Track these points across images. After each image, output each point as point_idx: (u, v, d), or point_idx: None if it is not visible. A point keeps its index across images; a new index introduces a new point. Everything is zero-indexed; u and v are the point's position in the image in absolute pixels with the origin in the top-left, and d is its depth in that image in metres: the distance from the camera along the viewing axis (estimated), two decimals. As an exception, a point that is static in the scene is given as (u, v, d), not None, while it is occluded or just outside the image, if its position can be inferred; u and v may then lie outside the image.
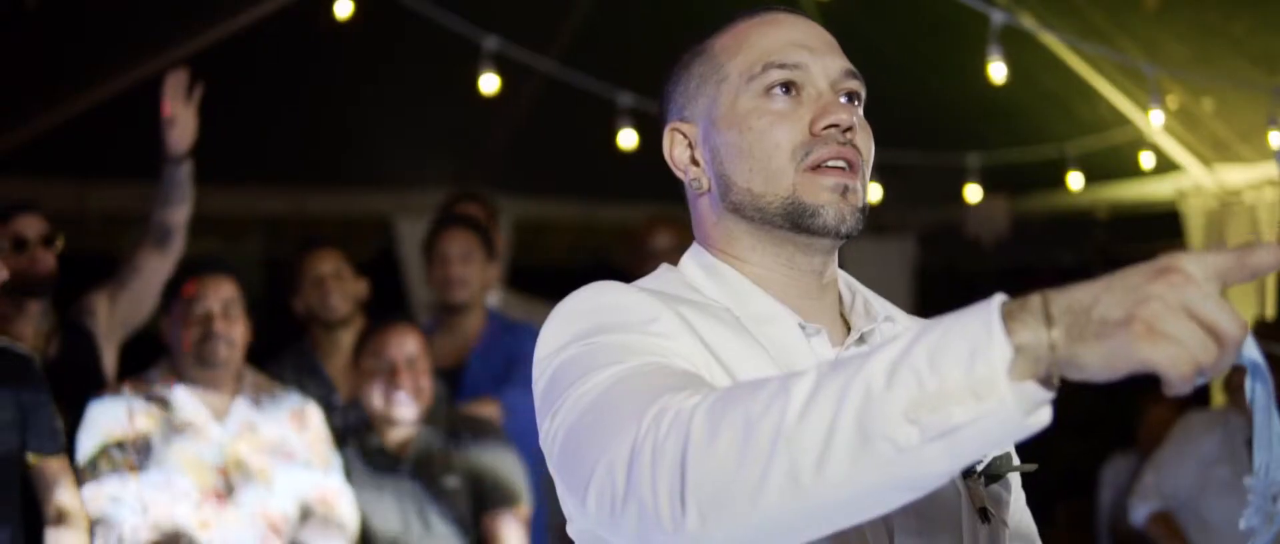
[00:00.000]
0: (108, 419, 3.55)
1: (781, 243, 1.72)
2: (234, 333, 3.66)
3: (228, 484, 3.57)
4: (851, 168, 1.70)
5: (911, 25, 6.14)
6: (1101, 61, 5.69)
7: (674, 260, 4.50)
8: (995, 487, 1.69)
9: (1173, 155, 6.17)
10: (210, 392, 3.69)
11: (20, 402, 3.41)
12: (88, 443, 3.55)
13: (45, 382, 3.50)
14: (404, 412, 3.81)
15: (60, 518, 3.45)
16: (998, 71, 4.82)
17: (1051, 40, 5.53)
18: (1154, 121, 5.24)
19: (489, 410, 4.06)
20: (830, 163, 1.68)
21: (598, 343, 1.57)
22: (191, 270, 3.76)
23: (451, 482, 3.79)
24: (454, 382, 4.21)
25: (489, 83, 5.16)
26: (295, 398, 3.82)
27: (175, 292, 3.69)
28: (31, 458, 3.44)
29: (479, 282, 4.39)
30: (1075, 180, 6.37)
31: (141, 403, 3.61)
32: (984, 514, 1.65)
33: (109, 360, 4.11)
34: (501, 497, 3.80)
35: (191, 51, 5.61)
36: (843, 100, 1.74)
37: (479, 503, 3.80)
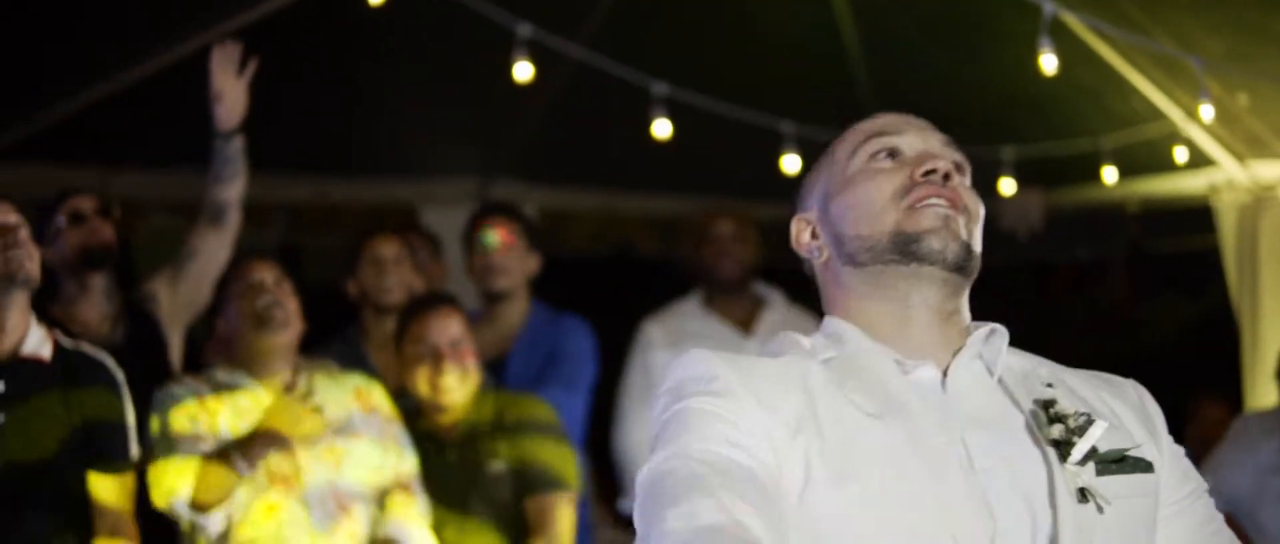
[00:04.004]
0: (177, 408, 3.46)
1: (894, 281, 1.85)
2: (289, 302, 3.58)
3: (296, 465, 3.47)
4: (954, 205, 1.84)
5: (945, 17, 6.08)
6: (1136, 54, 5.64)
7: (735, 249, 4.53)
8: (1109, 476, 1.75)
9: (1207, 150, 6.11)
10: (272, 373, 3.59)
11: (87, 410, 3.32)
12: (160, 432, 3.46)
13: (119, 388, 3.42)
14: (450, 396, 3.74)
15: (114, 531, 3.33)
16: (1049, 63, 4.75)
17: (1087, 32, 5.47)
18: (1204, 116, 5.18)
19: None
20: (930, 200, 1.83)
21: (676, 411, 1.76)
22: (237, 260, 3.74)
23: (497, 466, 3.72)
24: (497, 374, 4.15)
25: (523, 70, 5.09)
26: (357, 377, 3.72)
27: (225, 279, 3.64)
28: (95, 472, 3.35)
29: (520, 270, 4.34)
30: (1109, 174, 6.31)
31: (209, 390, 3.53)
32: (1083, 495, 1.71)
33: (175, 346, 4.07)
34: (549, 481, 3.73)
35: (215, 37, 5.56)
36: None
37: (526, 488, 3.72)
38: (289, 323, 3.55)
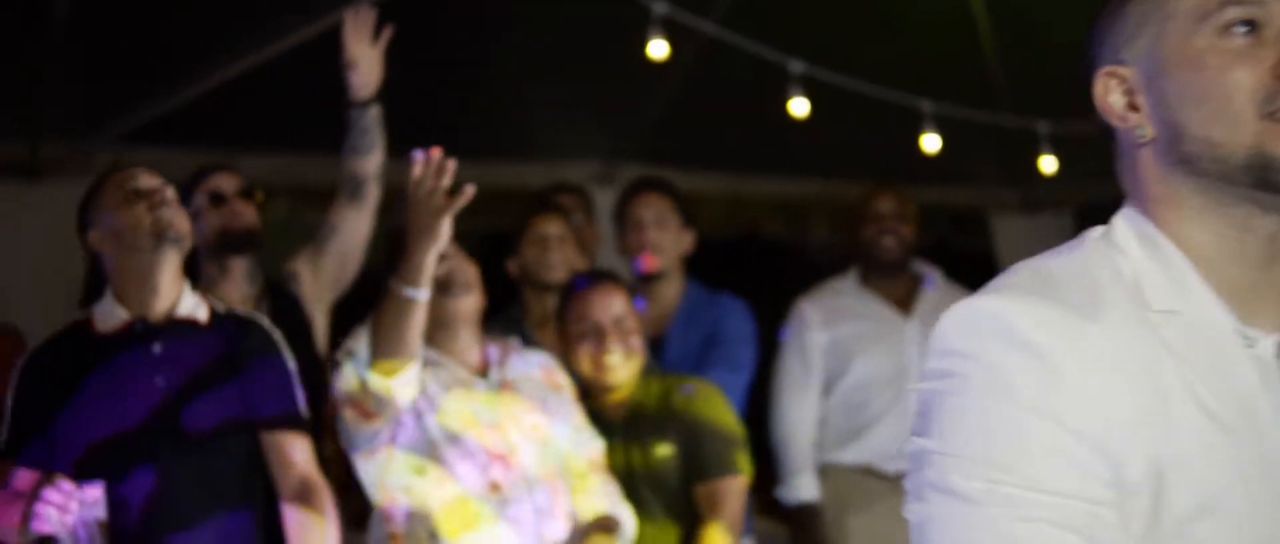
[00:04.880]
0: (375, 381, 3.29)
1: (1238, 202, 1.49)
2: (469, 267, 3.48)
3: (507, 443, 3.33)
4: None
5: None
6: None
7: (897, 227, 4.28)
8: None
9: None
10: (459, 344, 3.46)
11: (248, 368, 3.23)
12: (353, 406, 3.32)
13: (280, 349, 3.32)
14: (615, 375, 3.62)
15: (302, 494, 3.23)
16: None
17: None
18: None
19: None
20: None
21: (981, 400, 1.37)
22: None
23: (664, 449, 3.60)
24: (653, 355, 4.02)
25: (658, 48, 4.98)
26: (540, 354, 3.60)
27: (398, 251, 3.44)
28: (267, 430, 3.24)
29: (675, 248, 4.21)
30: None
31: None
32: None
33: (319, 325, 3.99)
34: (721, 465, 3.59)
35: (338, 20, 5.51)
36: None
37: (696, 472, 3.60)
38: (471, 287, 3.42)
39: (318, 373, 3.80)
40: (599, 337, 3.60)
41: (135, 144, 5.72)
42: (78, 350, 3.19)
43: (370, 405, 3.21)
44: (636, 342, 3.64)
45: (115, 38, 5.64)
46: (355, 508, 3.95)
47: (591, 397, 3.65)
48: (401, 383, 3.21)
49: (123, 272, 3.19)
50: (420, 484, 3.25)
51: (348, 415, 3.26)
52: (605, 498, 3.46)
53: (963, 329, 1.41)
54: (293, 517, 3.22)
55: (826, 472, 4.54)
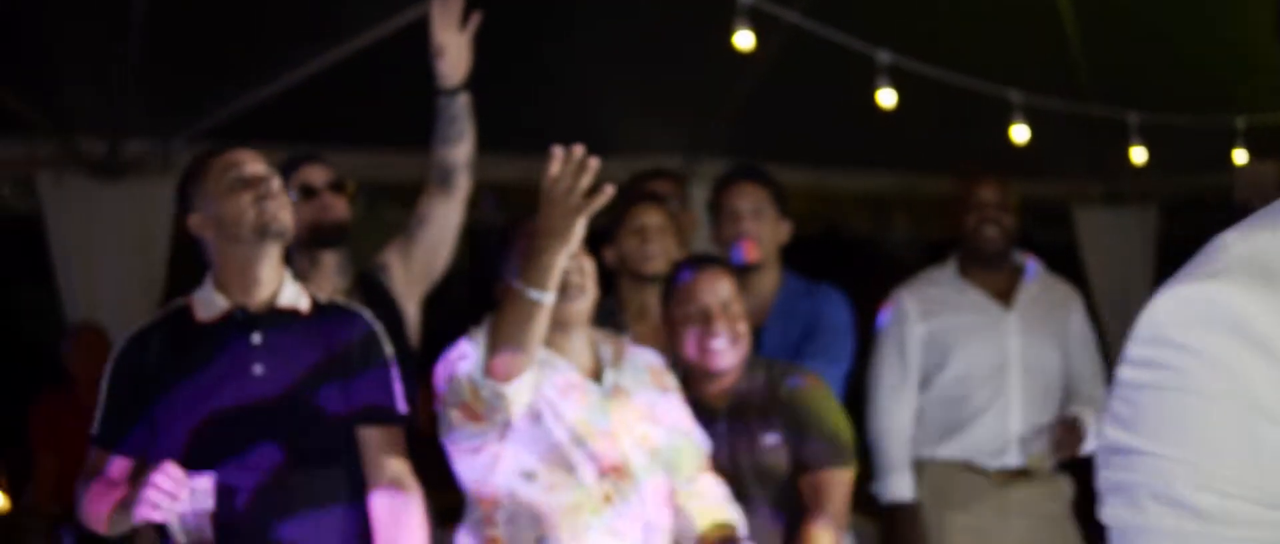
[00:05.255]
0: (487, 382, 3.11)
1: None
2: (585, 264, 3.26)
3: (620, 452, 3.17)
4: None
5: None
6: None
7: (1000, 217, 4.14)
8: None
9: None
10: (572, 346, 3.29)
11: (349, 361, 3.18)
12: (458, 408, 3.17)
13: (381, 341, 3.27)
14: (722, 360, 3.53)
15: (393, 490, 3.16)
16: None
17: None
18: None
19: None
20: None
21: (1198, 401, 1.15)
22: (524, 218, 3.34)
23: (770, 439, 3.52)
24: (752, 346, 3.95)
25: (744, 38, 4.93)
26: (649, 353, 3.46)
27: (512, 237, 3.31)
28: (364, 424, 3.18)
29: (772, 239, 4.13)
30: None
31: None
32: None
33: (411, 317, 3.93)
34: (829, 455, 3.52)
35: (420, 15, 5.49)
36: None
37: (802, 462, 3.52)
38: (586, 288, 3.25)
39: (410, 366, 3.76)
40: (705, 321, 3.51)
41: (214, 142, 5.69)
42: (176, 338, 3.13)
43: (480, 409, 3.06)
44: (743, 328, 3.55)
45: (194, 36, 5.66)
46: (443, 504, 3.92)
47: (694, 385, 3.57)
48: (518, 388, 3.05)
49: (223, 260, 3.14)
50: (528, 489, 3.12)
51: (454, 416, 3.13)
52: (718, 501, 3.37)
53: (1180, 317, 1.22)
54: (381, 512, 3.17)
55: (924, 468, 4.44)
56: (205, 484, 2.86)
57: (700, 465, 3.38)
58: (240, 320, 3.11)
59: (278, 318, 3.13)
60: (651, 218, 4.00)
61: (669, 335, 3.61)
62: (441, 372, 3.16)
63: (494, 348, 3.01)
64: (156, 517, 2.87)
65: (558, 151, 2.93)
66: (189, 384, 3.06)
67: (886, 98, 5.15)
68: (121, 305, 5.95)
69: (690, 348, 3.53)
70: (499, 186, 6.26)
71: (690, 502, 3.33)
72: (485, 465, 3.14)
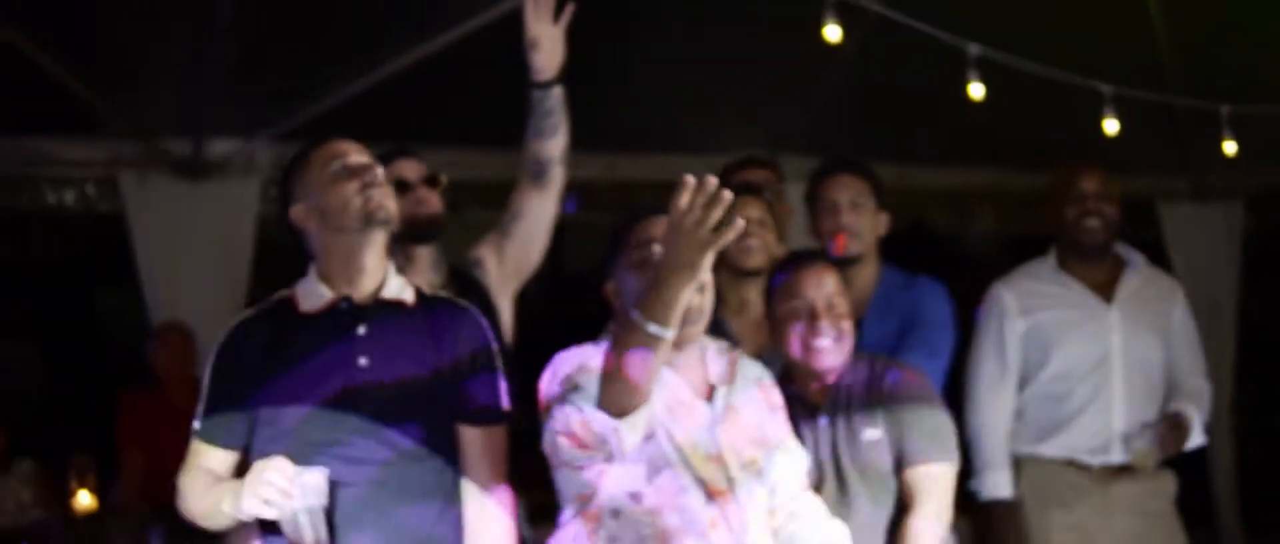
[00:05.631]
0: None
1: None
2: (710, 285, 3.10)
3: (727, 477, 3.05)
4: None
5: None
6: None
7: (1102, 208, 4.02)
8: None
9: None
10: (686, 360, 3.13)
11: (454, 356, 3.14)
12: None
13: (487, 335, 3.23)
14: (827, 359, 3.47)
15: (487, 489, 3.12)
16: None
17: None
18: None
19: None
20: None
21: None
22: (636, 216, 3.16)
23: (871, 434, 3.46)
24: (851, 340, 3.89)
25: (832, 32, 4.88)
26: (756, 366, 3.30)
27: (623, 239, 3.14)
28: (465, 421, 3.13)
29: (871, 231, 4.08)
30: None
31: None
32: None
33: (505, 314, 3.90)
34: (932, 450, 3.47)
35: (502, 12, 5.48)
36: None
37: (905, 457, 3.46)
38: (706, 310, 3.11)
39: (505, 362, 3.73)
40: (810, 318, 3.45)
41: (297, 141, 5.71)
42: (280, 329, 3.09)
43: (591, 440, 2.93)
44: (847, 325, 3.49)
45: (278, 36, 5.67)
46: (536, 502, 3.89)
47: (797, 380, 3.51)
48: (631, 425, 2.87)
49: (328, 250, 3.10)
50: (633, 510, 3.01)
51: (561, 441, 3.02)
52: (821, 525, 3.30)
53: None
54: (474, 510, 3.13)
55: (1024, 465, 4.36)
56: (318, 479, 2.82)
57: (801, 484, 3.32)
58: (345, 311, 3.07)
59: (383, 309, 3.09)
60: (750, 210, 3.93)
61: (772, 332, 3.55)
62: (549, 386, 3.03)
63: (609, 381, 2.82)
64: (268, 513, 2.84)
65: (689, 181, 2.67)
66: (293, 376, 3.02)
67: (977, 90, 5.06)
68: (205, 305, 5.97)
69: (794, 346, 3.48)
70: (579, 184, 6.22)
71: (790, 523, 3.26)
72: (589, 481, 3.05)
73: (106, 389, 6.39)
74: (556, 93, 3.83)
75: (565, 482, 3.10)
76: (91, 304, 10.03)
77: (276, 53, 5.74)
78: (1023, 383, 4.40)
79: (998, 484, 4.37)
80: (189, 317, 5.95)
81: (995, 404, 4.37)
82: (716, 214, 2.63)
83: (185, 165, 6.05)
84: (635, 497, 3.01)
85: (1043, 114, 6.06)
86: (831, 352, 3.46)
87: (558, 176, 3.91)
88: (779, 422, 3.24)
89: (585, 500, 3.06)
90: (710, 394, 3.12)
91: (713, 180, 2.62)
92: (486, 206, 6.18)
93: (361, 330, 3.05)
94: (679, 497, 3.00)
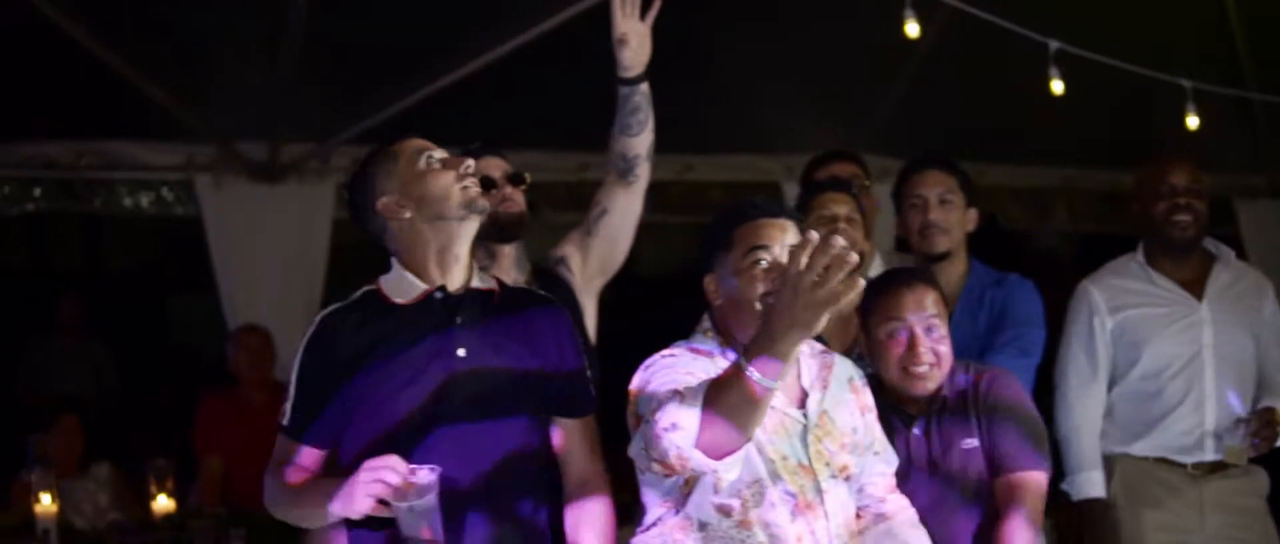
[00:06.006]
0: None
1: None
2: None
3: (817, 488, 2.97)
4: None
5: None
6: None
7: (1192, 203, 3.90)
8: None
9: None
10: (788, 374, 2.92)
11: (542, 351, 3.12)
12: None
13: (572, 331, 3.21)
14: (925, 385, 3.41)
15: (584, 486, 3.10)
16: None
17: None
18: None
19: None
20: None
21: None
22: (746, 214, 2.99)
23: (968, 443, 3.42)
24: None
25: (912, 28, 4.88)
26: (847, 365, 3.20)
27: (727, 236, 2.99)
28: (558, 416, 3.10)
29: (960, 228, 4.04)
30: None
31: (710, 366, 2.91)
32: None
33: (589, 313, 3.87)
34: (1025, 458, 3.41)
35: (574, 14, 5.48)
36: None
37: (998, 464, 3.42)
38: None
39: (588, 359, 3.70)
40: (910, 344, 3.38)
41: (371, 144, 5.73)
42: (373, 321, 3.03)
43: (685, 473, 2.81)
44: (946, 348, 3.40)
45: (350, 41, 5.69)
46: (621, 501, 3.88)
47: (893, 394, 3.46)
48: (729, 466, 2.73)
49: (422, 241, 3.05)
50: (721, 524, 2.95)
51: (654, 466, 2.95)
52: (908, 530, 3.26)
53: None
54: (573, 506, 3.11)
55: (1116, 464, 4.30)
56: (431, 477, 2.80)
57: (889, 486, 3.27)
58: (440, 302, 3.03)
59: (475, 300, 3.05)
60: (840, 207, 3.90)
61: (868, 347, 3.49)
62: (644, 402, 2.86)
63: (708, 424, 2.68)
64: (381, 511, 2.80)
65: (811, 237, 2.50)
66: (391, 368, 2.97)
67: (1058, 86, 5.03)
68: (281, 307, 6.01)
69: (892, 371, 3.41)
70: (652, 186, 6.22)
71: (877, 526, 3.21)
72: (676, 492, 3.00)
73: (181, 392, 6.43)
74: (643, 89, 3.80)
75: (651, 494, 3.04)
76: (165, 308, 10.13)
77: (350, 56, 5.76)
78: (1113, 382, 4.33)
79: (1091, 484, 4.30)
80: (265, 319, 5.98)
81: (1086, 403, 4.31)
82: (838, 276, 2.48)
83: (261, 169, 6.08)
84: (724, 510, 2.94)
85: (1116, 111, 6.01)
86: (929, 378, 3.40)
87: (644, 173, 3.88)
88: (870, 424, 3.17)
89: (670, 512, 3.02)
90: (803, 400, 3.04)
91: (838, 241, 2.50)
92: (561, 208, 6.21)
93: (459, 321, 3.03)
94: (768, 512, 2.93)
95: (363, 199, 3.10)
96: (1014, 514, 3.37)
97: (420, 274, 3.06)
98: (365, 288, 3.12)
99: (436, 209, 3.01)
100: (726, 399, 2.63)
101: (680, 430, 2.69)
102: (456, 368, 2.98)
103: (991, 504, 3.43)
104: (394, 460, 2.79)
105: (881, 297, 3.43)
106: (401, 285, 3.06)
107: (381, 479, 2.77)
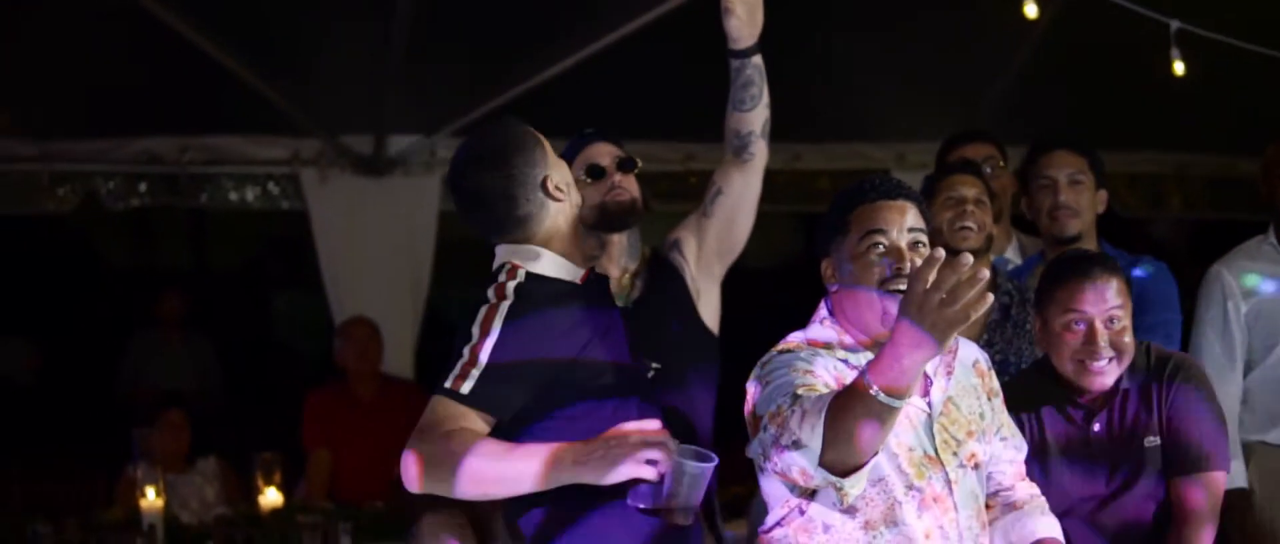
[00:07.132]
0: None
1: None
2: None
3: (945, 480, 2.87)
4: None
5: None
6: None
7: None
8: None
9: None
10: None
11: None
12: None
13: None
14: (1104, 381, 3.29)
15: None
16: None
17: None
18: None
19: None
20: None
21: None
22: (864, 194, 2.88)
23: (1151, 440, 3.31)
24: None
25: (1031, 9, 4.78)
26: (972, 348, 3.06)
27: (846, 219, 2.87)
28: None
29: (1090, 210, 3.93)
30: None
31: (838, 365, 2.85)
32: None
33: (710, 299, 3.74)
34: (1201, 459, 3.32)
35: (674, 6, 5.42)
36: None
37: (1174, 465, 3.31)
38: None
39: (705, 347, 3.63)
40: (1089, 339, 3.27)
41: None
42: (555, 299, 2.97)
43: (809, 486, 2.75)
44: (1128, 339, 3.29)
45: (455, 35, 5.67)
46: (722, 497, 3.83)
47: (1069, 389, 3.35)
48: (854, 482, 2.67)
49: (573, 229, 3.06)
50: (845, 526, 2.84)
51: (775, 477, 2.86)
52: (1042, 515, 3.15)
53: None
54: None
55: (1253, 453, 4.17)
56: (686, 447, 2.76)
57: (1018, 474, 3.15)
58: (600, 282, 3.10)
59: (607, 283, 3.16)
60: (968, 189, 3.79)
61: (1043, 338, 3.39)
62: (762, 400, 2.76)
63: (833, 443, 2.59)
64: (648, 474, 2.72)
65: (938, 254, 2.43)
66: (591, 345, 2.95)
67: (1179, 67, 4.89)
68: (386, 301, 6.00)
69: (1068, 364, 3.30)
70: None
71: (1006, 514, 3.10)
72: (798, 491, 2.90)
73: (285, 386, 6.44)
74: (755, 62, 3.65)
75: (772, 493, 2.93)
76: (270, 303, 10.20)
77: (455, 49, 5.74)
78: (1248, 367, 4.20)
79: (1232, 473, 4.19)
80: (370, 312, 5.97)
81: (1224, 390, 4.15)
82: (968, 295, 2.39)
83: (366, 162, 6.09)
84: (848, 511, 2.82)
85: (1228, 94, 5.86)
86: (1108, 373, 3.28)
87: (761, 151, 3.74)
88: (997, 408, 3.05)
89: (791, 510, 2.92)
90: (927, 388, 2.91)
91: (968, 258, 2.40)
92: (665, 199, 6.14)
93: (619, 303, 3.07)
94: (894, 509, 2.83)
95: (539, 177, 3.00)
96: (1192, 515, 3.32)
97: (571, 258, 3.04)
98: (516, 271, 2.99)
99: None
100: (851, 417, 2.54)
101: (804, 449, 2.61)
102: (623, 347, 3.04)
103: (1167, 500, 3.36)
104: (653, 423, 2.76)
105: (1059, 286, 3.31)
106: (559, 268, 3.01)
107: (662, 443, 2.72)
